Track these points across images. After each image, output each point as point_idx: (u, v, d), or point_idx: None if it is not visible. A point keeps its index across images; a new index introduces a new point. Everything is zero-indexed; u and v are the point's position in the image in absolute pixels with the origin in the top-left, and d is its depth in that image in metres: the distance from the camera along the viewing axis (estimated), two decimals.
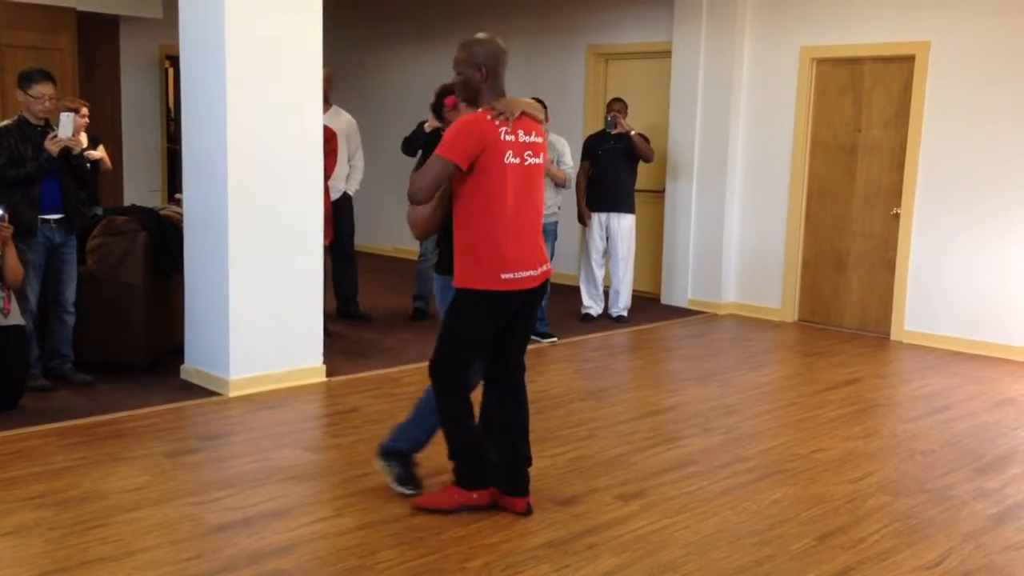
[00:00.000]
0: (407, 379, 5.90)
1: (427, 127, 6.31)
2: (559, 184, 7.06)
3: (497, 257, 3.69)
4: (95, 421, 4.95)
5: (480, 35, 3.80)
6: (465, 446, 3.90)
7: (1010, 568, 3.58)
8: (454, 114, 4.03)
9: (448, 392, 3.85)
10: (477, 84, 3.73)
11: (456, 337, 3.84)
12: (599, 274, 7.93)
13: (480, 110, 3.72)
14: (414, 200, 3.73)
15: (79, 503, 3.90)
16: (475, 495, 3.91)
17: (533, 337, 7.10)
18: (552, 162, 6.99)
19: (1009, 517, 4.06)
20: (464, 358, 3.85)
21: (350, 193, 7.43)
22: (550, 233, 7.12)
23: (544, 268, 3.87)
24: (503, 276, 3.70)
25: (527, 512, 3.91)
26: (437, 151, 3.65)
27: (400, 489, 4.04)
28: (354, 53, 11.07)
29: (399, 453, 4.07)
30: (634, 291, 8.11)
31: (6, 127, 5.30)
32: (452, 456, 3.93)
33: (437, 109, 4.84)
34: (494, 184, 3.67)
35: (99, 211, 6.34)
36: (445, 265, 3.99)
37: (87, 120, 6.45)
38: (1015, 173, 6.86)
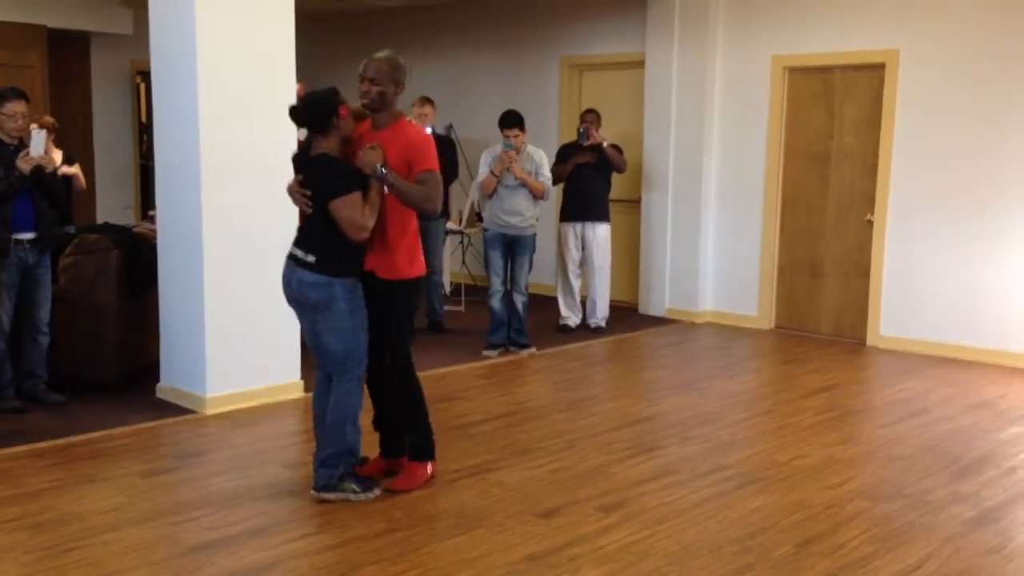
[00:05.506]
0: None
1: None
2: (538, 196, 7.03)
3: (418, 246, 4.24)
4: (70, 442, 4.89)
5: (391, 53, 4.11)
6: (427, 423, 4.36)
7: (988, 571, 3.60)
8: (345, 123, 4.00)
9: (416, 383, 4.30)
10: (391, 97, 4.09)
11: (409, 328, 4.28)
12: (576, 284, 7.94)
13: (404, 117, 4.21)
14: (435, 212, 4.20)
15: (55, 525, 3.85)
16: (432, 465, 4.39)
17: (512, 348, 7.16)
18: (531, 174, 6.98)
19: (986, 520, 4.09)
20: (410, 344, 4.31)
21: None
22: (528, 245, 7.12)
23: None
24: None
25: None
26: (432, 166, 4.05)
27: (371, 495, 4.16)
28: (328, 68, 11.01)
29: (346, 471, 4.19)
30: (612, 301, 8.12)
31: None
32: (419, 437, 4.34)
33: (323, 120, 3.99)
34: None
35: (71, 229, 6.28)
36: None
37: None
38: (985, 178, 6.93)
